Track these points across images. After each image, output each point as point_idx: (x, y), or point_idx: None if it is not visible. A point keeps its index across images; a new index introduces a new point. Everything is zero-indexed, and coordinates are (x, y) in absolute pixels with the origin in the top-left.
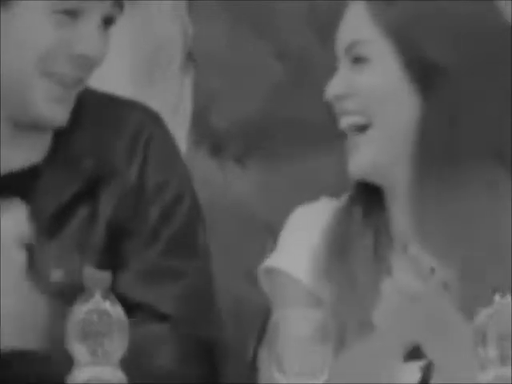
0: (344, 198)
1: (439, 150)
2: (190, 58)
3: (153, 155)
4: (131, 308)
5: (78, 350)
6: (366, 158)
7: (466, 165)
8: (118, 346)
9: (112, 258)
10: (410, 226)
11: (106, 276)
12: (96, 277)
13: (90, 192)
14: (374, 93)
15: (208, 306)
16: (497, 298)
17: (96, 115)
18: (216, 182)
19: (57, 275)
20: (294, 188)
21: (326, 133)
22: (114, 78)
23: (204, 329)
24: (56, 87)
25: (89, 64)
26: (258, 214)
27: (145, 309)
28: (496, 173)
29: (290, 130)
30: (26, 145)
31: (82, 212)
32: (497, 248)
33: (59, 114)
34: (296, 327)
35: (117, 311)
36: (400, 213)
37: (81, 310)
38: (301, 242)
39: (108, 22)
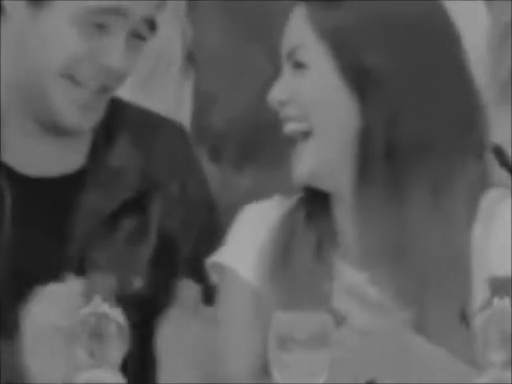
0: (294, 199)
1: (379, 157)
2: (189, 60)
3: (191, 173)
4: None
5: (77, 352)
6: (307, 165)
7: (409, 170)
8: (117, 348)
9: (159, 273)
10: (354, 234)
11: (110, 280)
12: (99, 280)
13: (136, 203)
14: (312, 99)
15: None
16: (495, 300)
17: (133, 127)
18: (214, 183)
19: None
20: (289, 189)
21: None
22: None
23: None
24: (79, 92)
25: (113, 76)
26: None
27: None
28: (444, 174)
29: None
30: (62, 151)
31: (130, 222)
32: (446, 255)
33: (82, 120)
34: (293, 330)
35: (116, 314)
36: (345, 219)
37: (80, 313)
38: (248, 238)
39: (138, 37)
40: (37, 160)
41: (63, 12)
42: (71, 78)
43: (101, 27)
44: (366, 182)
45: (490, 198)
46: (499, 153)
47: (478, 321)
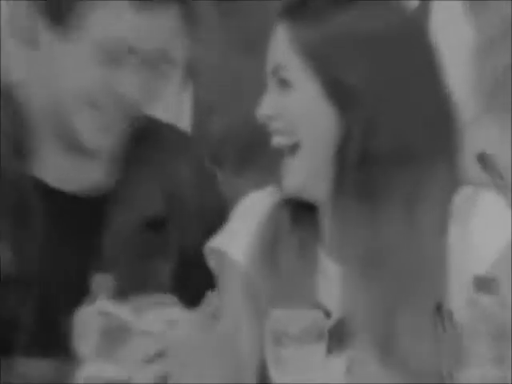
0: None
1: (354, 168)
2: (189, 72)
3: (209, 189)
4: None
5: (83, 346)
6: (297, 179)
7: (383, 182)
8: (119, 343)
9: (182, 287)
10: (333, 236)
11: (109, 279)
12: (102, 281)
13: (160, 221)
14: (298, 114)
15: None
16: (480, 298)
17: (157, 144)
18: None
19: None
20: None
21: None
22: None
23: None
24: (99, 116)
25: (130, 105)
26: None
27: None
28: (417, 184)
29: None
30: (92, 168)
31: (154, 237)
32: (418, 259)
33: (102, 141)
34: (287, 326)
35: (119, 312)
36: (326, 221)
37: (86, 311)
38: (242, 227)
39: (155, 68)
40: (68, 176)
41: (83, 46)
42: (92, 104)
43: (116, 60)
44: (342, 192)
45: (462, 197)
46: (483, 159)
47: (464, 318)
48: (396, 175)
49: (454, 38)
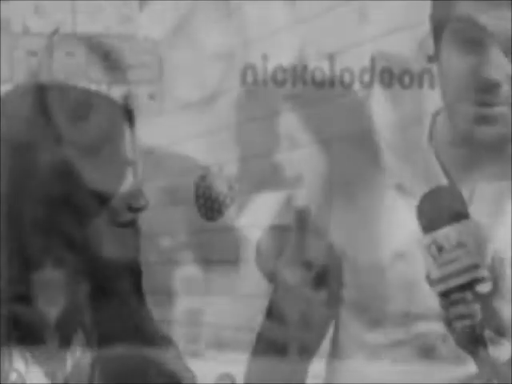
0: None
1: (340, 187)
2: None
3: None
4: None
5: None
6: (301, 199)
7: (352, 198)
8: None
9: None
10: (327, 224)
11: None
12: None
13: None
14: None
15: None
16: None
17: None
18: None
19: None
20: None
21: None
22: None
23: None
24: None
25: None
26: None
27: None
28: (371, 200)
29: None
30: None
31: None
32: (377, 237)
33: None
34: (293, 277)
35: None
36: (322, 215)
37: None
38: (257, 215)
39: None
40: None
41: None
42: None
43: None
44: (331, 203)
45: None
46: (400, 187)
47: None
48: (359, 196)
49: (379, 116)
